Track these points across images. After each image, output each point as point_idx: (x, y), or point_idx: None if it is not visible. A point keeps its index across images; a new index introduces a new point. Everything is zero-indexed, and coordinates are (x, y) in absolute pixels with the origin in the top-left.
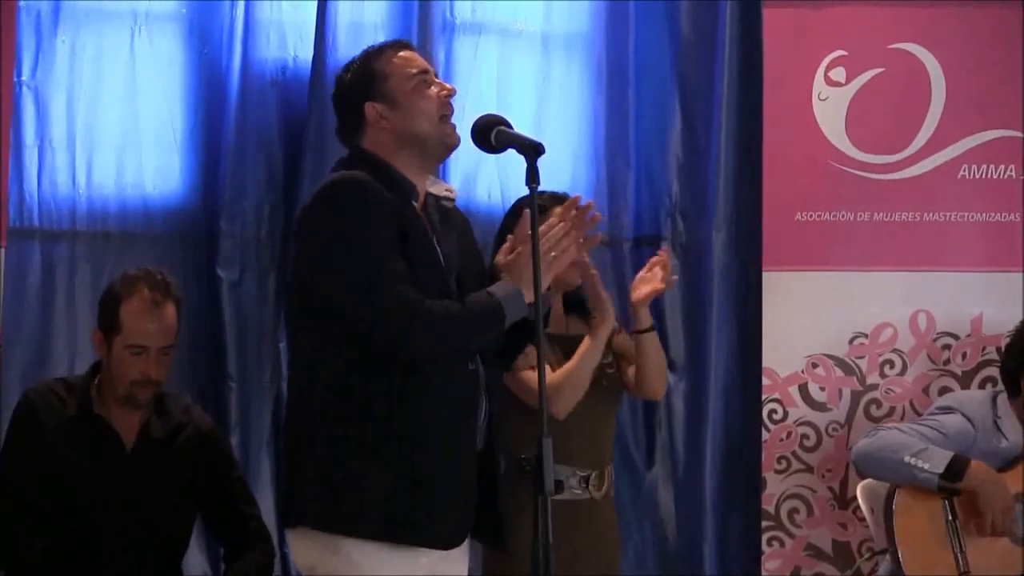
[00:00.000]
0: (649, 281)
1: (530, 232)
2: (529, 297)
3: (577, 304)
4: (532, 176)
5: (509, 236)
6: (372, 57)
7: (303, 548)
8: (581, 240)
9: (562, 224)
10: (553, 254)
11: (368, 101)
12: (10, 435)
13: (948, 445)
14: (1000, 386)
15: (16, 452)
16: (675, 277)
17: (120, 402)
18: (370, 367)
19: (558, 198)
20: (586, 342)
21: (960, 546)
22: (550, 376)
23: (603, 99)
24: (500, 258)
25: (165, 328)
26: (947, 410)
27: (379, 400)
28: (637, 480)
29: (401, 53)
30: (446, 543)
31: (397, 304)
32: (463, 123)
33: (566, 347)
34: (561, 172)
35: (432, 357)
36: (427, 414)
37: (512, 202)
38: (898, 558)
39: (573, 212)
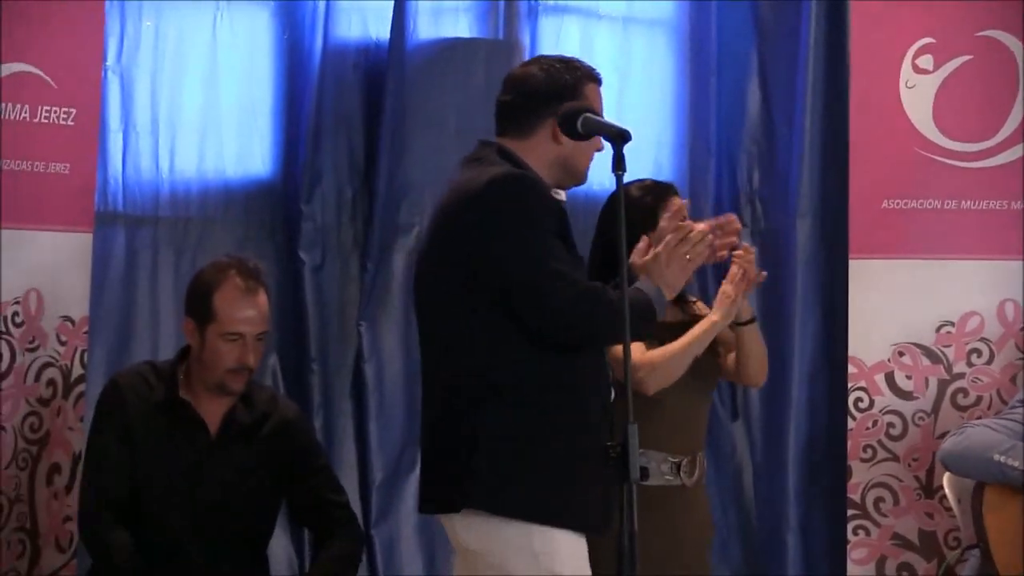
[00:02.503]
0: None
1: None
2: (669, 296)
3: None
4: (619, 163)
5: (644, 236)
6: (574, 74)
7: (473, 531)
8: (718, 250)
9: (701, 229)
10: (689, 257)
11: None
12: (97, 419)
13: None
14: None
15: (102, 437)
16: (764, 274)
17: (214, 390)
18: (542, 353)
19: (661, 187)
20: (696, 329)
21: None
22: (651, 353)
23: (685, 85)
24: (636, 259)
25: (259, 314)
26: None
27: (550, 386)
28: (722, 465)
29: (597, 88)
30: (602, 530)
31: (583, 291)
32: None
33: (661, 334)
34: (643, 158)
35: (607, 343)
36: (586, 400)
37: (595, 186)
38: (990, 555)
39: (719, 223)
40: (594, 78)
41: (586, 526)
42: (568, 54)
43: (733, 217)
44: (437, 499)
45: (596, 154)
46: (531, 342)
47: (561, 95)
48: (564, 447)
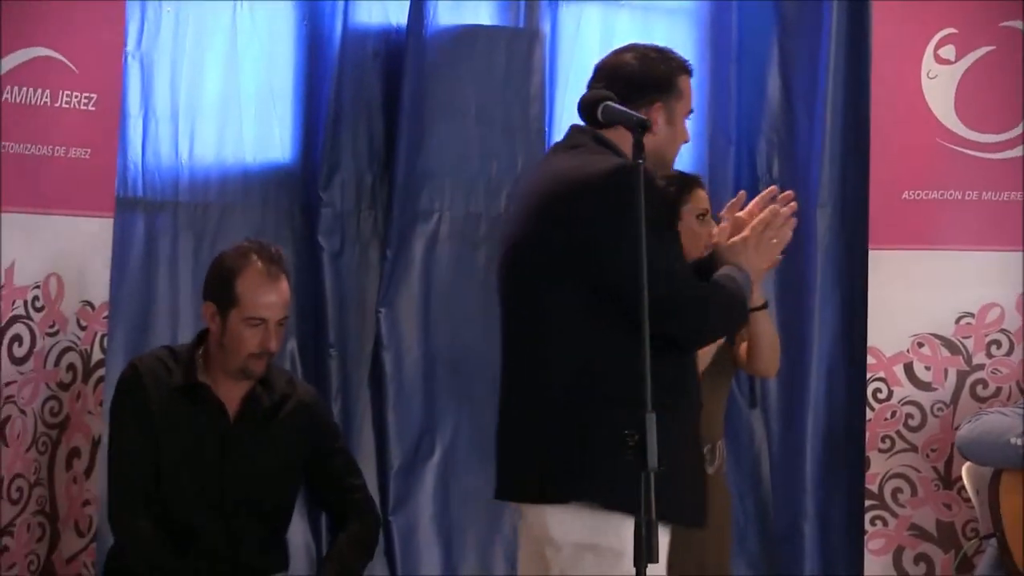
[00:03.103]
0: None
1: (740, 215)
2: (756, 281)
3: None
4: (638, 151)
5: (724, 215)
6: (669, 64)
7: (578, 524)
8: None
9: (783, 211)
10: (775, 241)
11: (655, 104)
12: (116, 404)
13: None
14: None
15: (122, 421)
16: (780, 256)
17: (235, 374)
18: (653, 351)
19: (687, 178)
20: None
21: None
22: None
23: (705, 74)
24: (720, 239)
25: (281, 300)
26: None
27: (659, 380)
28: (740, 454)
29: (689, 80)
30: (703, 523)
31: (699, 292)
32: (566, 94)
33: None
34: None
35: (711, 342)
36: (687, 393)
37: None
38: (1006, 543)
39: (778, 199)
40: (687, 70)
41: (694, 520)
42: (587, 42)
43: (791, 194)
44: (536, 490)
45: None
46: (637, 337)
47: (656, 85)
48: (673, 441)
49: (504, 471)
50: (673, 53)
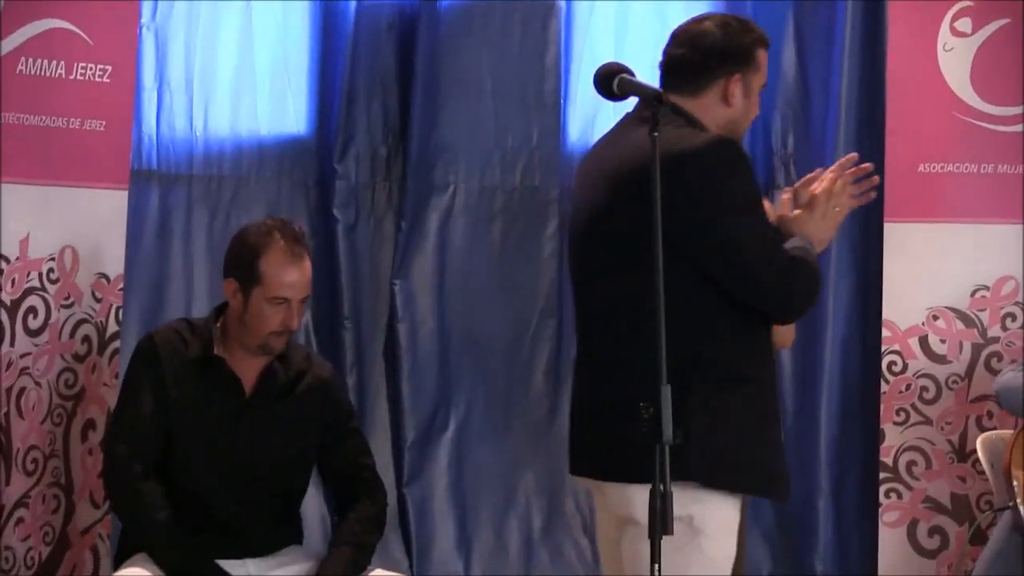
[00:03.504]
0: None
1: (807, 187)
2: (819, 250)
3: None
4: (654, 124)
5: (786, 188)
6: (750, 36)
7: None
8: (856, 196)
9: (843, 179)
10: (837, 209)
11: (734, 75)
12: (131, 373)
13: None
14: None
15: (136, 390)
16: None
17: (254, 350)
18: (744, 320)
19: None
20: None
21: None
22: None
23: None
24: (785, 211)
25: (304, 280)
26: None
27: (751, 354)
28: None
29: (766, 53)
30: (788, 497)
31: (789, 265)
32: (581, 67)
33: None
34: None
35: (803, 314)
36: (772, 366)
37: None
38: (1019, 511)
39: (850, 168)
40: (766, 42)
41: (783, 495)
42: (602, 21)
43: (870, 166)
44: (622, 469)
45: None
46: (733, 310)
47: (737, 57)
48: (766, 416)
49: (582, 448)
50: (753, 24)
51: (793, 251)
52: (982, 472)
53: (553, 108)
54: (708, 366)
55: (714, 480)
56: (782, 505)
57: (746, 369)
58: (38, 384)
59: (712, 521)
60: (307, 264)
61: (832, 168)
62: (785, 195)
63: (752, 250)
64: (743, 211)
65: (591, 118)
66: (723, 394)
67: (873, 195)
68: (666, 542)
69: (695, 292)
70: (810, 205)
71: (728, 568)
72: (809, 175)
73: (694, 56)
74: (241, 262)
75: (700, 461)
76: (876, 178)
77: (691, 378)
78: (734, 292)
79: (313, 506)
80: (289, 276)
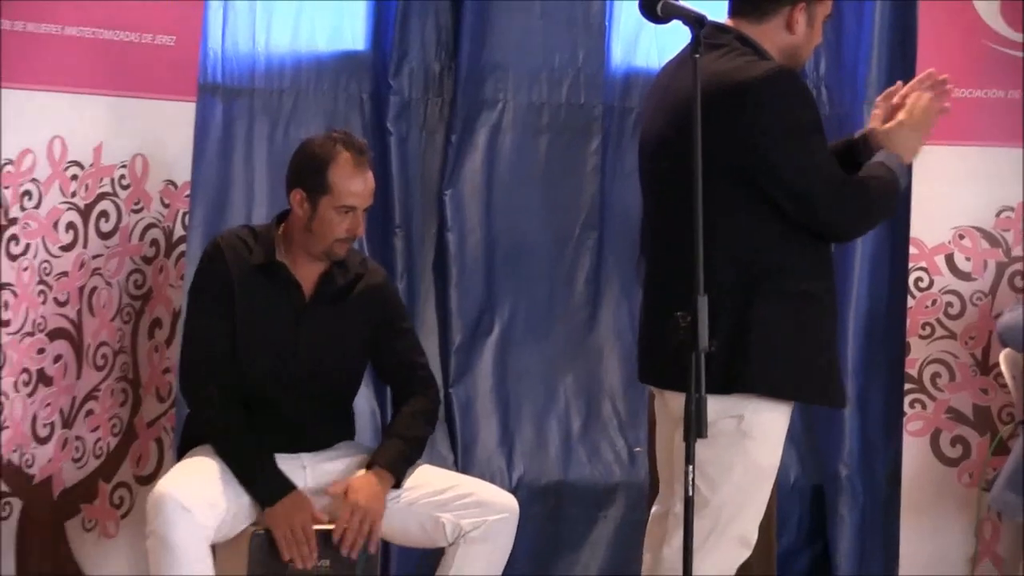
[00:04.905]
0: None
1: (894, 102)
2: (908, 161)
3: None
4: (696, 47)
5: (878, 101)
6: None
7: (722, 408)
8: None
9: (930, 95)
10: (925, 121)
11: (799, 3)
12: (198, 277)
13: None
14: None
15: (202, 291)
16: None
17: (319, 256)
18: (805, 238)
19: None
20: None
21: None
22: None
23: None
24: (876, 124)
25: (368, 190)
26: None
27: (811, 270)
28: None
29: None
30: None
31: (854, 190)
32: None
33: None
34: None
35: (862, 233)
36: (832, 280)
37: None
38: None
39: (933, 82)
40: None
41: (842, 401)
42: None
43: (948, 78)
44: (685, 377)
45: (669, 36)
46: (795, 230)
47: None
48: (826, 327)
49: (650, 358)
50: None
51: (867, 170)
52: (1004, 385)
53: (599, 30)
54: (770, 281)
55: (772, 389)
56: (838, 408)
57: (806, 286)
58: (109, 284)
59: (759, 427)
60: (371, 175)
61: (912, 83)
62: (878, 110)
63: (807, 175)
64: (799, 137)
65: (633, 39)
66: (784, 306)
67: (950, 107)
68: (714, 442)
69: (757, 214)
70: (900, 120)
71: (771, 476)
72: (890, 88)
73: None
74: (309, 173)
75: (759, 371)
76: (952, 90)
77: (754, 292)
78: (792, 214)
79: (363, 401)
80: (356, 186)
